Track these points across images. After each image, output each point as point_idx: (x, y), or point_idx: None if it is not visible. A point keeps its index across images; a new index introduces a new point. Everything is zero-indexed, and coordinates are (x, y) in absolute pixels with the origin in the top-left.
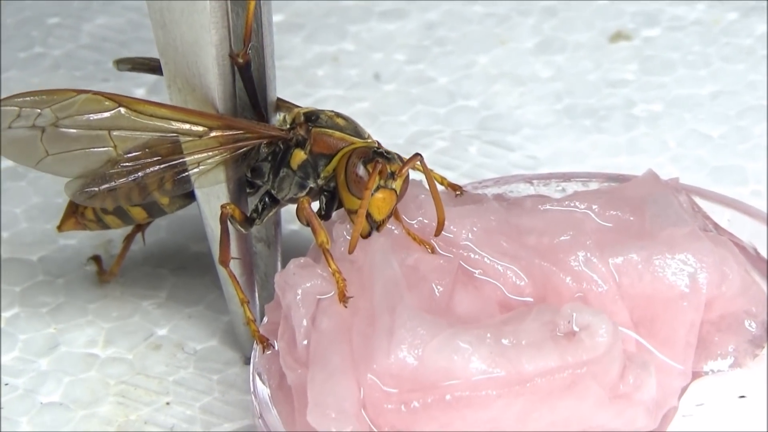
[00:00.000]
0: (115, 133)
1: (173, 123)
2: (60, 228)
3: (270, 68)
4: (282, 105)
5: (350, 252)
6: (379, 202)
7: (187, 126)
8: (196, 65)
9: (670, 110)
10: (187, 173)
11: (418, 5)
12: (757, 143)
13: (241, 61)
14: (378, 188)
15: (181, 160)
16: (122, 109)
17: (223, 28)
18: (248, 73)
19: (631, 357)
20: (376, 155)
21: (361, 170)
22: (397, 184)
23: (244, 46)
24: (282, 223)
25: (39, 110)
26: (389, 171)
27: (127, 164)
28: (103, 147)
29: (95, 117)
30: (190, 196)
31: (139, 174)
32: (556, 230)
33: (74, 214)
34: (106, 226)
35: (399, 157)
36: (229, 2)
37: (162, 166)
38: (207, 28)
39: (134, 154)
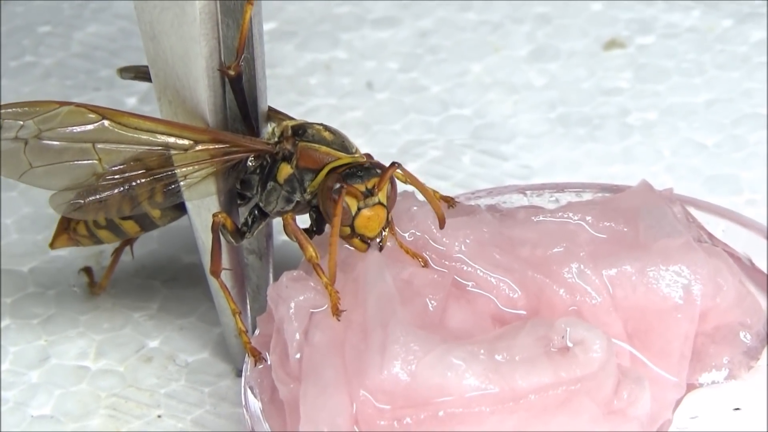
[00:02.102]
0: (99, 145)
1: (158, 136)
2: (52, 245)
3: (261, 79)
4: (273, 115)
5: (332, 283)
6: (365, 220)
7: (172, 139)
8: (186, 77)
9: (664, 119)
10: (174, 186)
11: (411, 13)
12: (753, 152)
13: (232, 73)
14: (360, 209)
15: (167, 173)
16: (106, 122)
17: (213, 39)
18: (239, 85)
19: (625, 372)
20: (347, 178)
21: (334, 197)
22: (381, 196)
23: (237, 57)
24: (273, 235)
25: (21, 122)
26: (366, 188)
27: (112, 177)
28: (88, 160)
29: (78, 129)
30: (182, 209)
31: (125, 186)
32: (549, 242)
33: (66, 230)
34: (99, 241)
35: (379, 167)
36: (219, 14)
37: (148, 179)
38: (197, 40)
39: (120, 166)
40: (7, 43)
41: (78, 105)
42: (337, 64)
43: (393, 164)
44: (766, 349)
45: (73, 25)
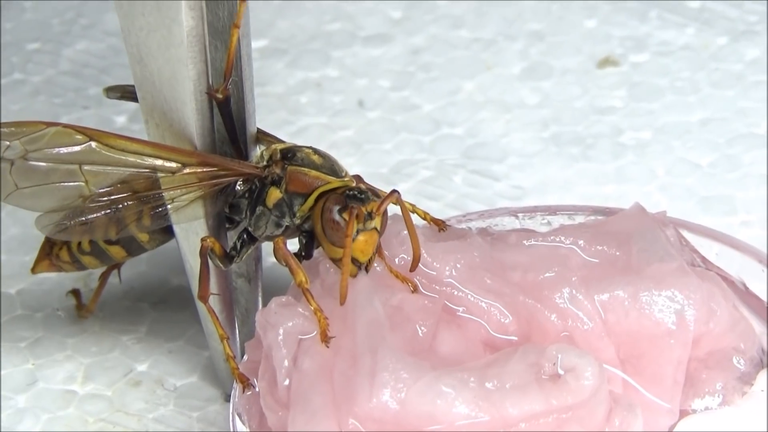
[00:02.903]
0: (86, 167)
1: (146, 158)
2: (34, 270)
3: (249, 101)
4: (262, 137)
5: (342, 303)
6: (361, 245)
7: (160, 162)
8: (173, 100)
9: (658, 138)
10: (162, 209)
11: (402, 30)
12: (747, 172)
13: (220, 96)
14: (358, 232)
15: (154, 196)
16: (93, 143)
17: (201, 62)
18: (228, 108)
19: (617, 399)
20: (349, 200)
21: (336, 217)
22: (376, 222)
23: (224, 80)
24: (263, 257)
25: (8, 143)
26: (365, 212)
27: (99, 199)
28: (74, 181)
29: (65, 150)
30: (169, 232)
31: (112, 209)
32: (540, 266)
33: (48, 256)
34: (83, 267)
35: (374, 192)
36: (207, 36)
37: (135, 201)
38: (184, 63)
39: (106, 189)
40: None
41: (65, 126)
42: (328, 83)
43: (393, 192)
44: (759, 374)
45: (63, 42)
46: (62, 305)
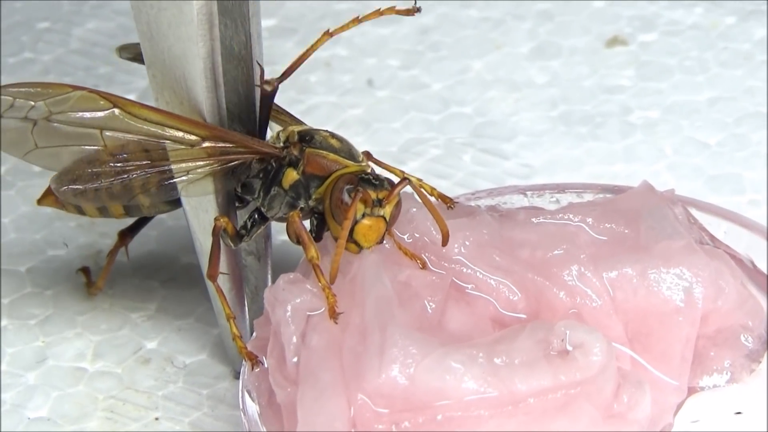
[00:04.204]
0: (107, 133)
1: (166, 129)
2: (39, 202)
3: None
4: (275, 114)
5: (332, 282)
6: (365, 229)
7: (179, 134)
8: (183, 78)
9: (666, 117)
10: (174, 180)
11: None
12: (755, 151)
13: (268, 89)
14: (364, 216)
15: (169, 167)
16: (116, 110)
17: (211, 40)
18: (271, 100)
19: (625, 375)
20: (361, 182)
21: (345, 197)
22: (386, 211)
23: (283, 76)
24: (272, 235)
25: (33, 102)
26: (376, 198)
27: (115, 165)
28: (93, 146)
29: (89, 115)
30: (173, 203)
31: (126, 176)
32: (549, 244)
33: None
34: (82, 213)
35: (389, 181)
36: (217, 14)
37: (150, 170)
38: (194, 41)
39: (123, 155)
40: (6, 39)
41: (90, 91)
42: (337, 62)
43: (403, 180)
44: (767, 352)
45: (72, 21)
46: (72, 283)
